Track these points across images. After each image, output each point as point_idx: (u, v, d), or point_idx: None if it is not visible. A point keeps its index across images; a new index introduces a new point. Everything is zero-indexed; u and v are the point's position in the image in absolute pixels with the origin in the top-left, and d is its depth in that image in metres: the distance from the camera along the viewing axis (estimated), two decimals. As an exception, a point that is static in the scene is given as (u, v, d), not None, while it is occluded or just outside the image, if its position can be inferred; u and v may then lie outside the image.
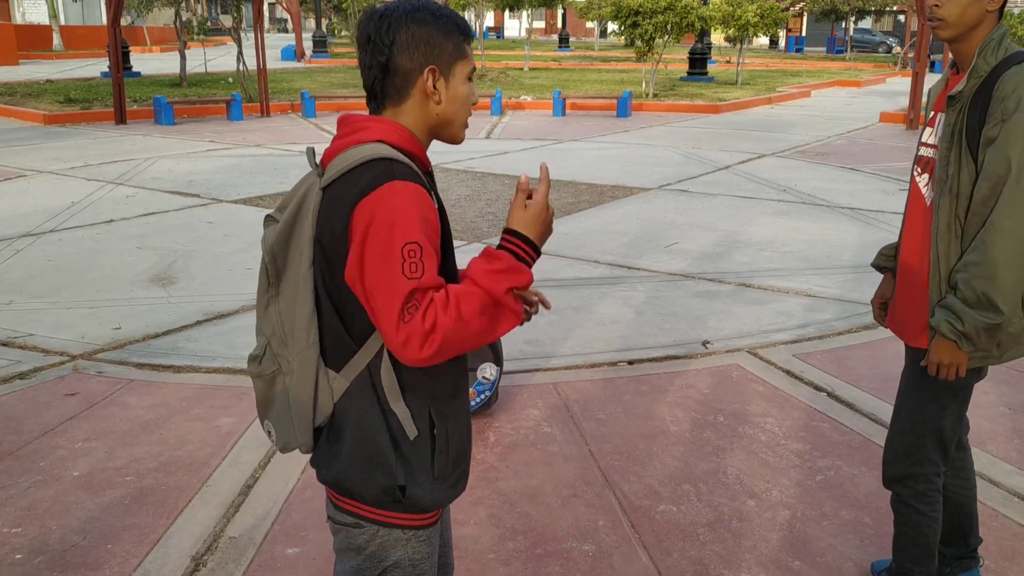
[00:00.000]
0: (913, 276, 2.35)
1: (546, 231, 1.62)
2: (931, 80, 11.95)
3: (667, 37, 18.82)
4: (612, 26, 19.99)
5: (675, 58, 27.63)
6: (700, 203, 8.60)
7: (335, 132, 1.65)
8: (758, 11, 21.84)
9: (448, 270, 1.64)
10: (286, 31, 56.23)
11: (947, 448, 2.39)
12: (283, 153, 11.67)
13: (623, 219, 7.91)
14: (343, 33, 38.67)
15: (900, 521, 2.49)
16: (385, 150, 1.53)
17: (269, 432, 1.69)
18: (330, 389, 1.60)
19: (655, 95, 19.00)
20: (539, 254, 1.61)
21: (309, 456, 1.71)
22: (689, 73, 23.64)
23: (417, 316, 1.44)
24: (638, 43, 18.84)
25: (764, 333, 5.00)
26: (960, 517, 2.63)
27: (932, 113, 2.34)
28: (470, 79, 1.66)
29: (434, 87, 1.60)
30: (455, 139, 1.69)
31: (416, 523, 1.65)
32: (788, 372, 4.45)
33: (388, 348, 1.50)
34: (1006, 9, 21.59)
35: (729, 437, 3.75)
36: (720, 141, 13.15)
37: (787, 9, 36.18)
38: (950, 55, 2.29)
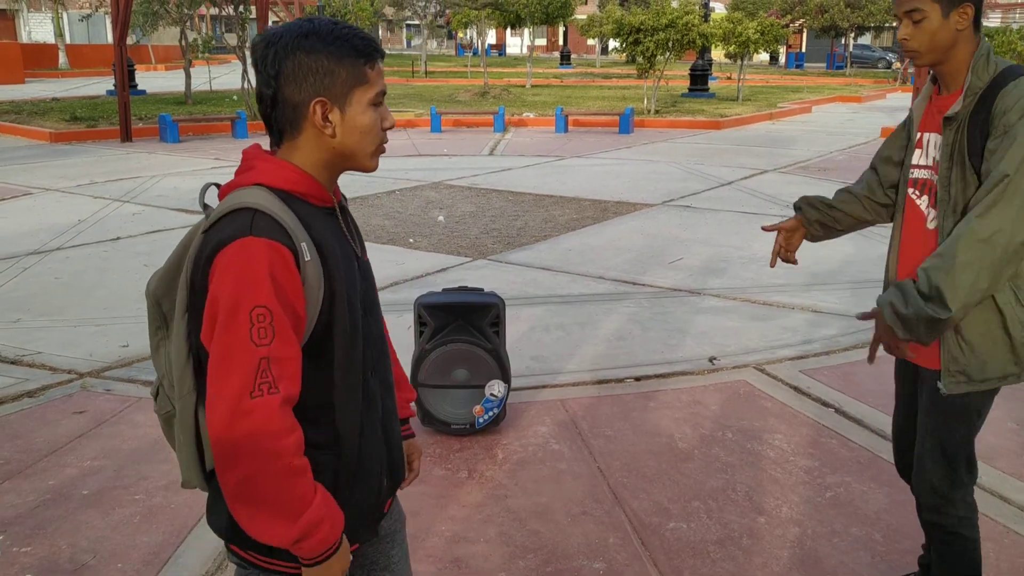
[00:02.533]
0: None
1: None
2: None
3: (668, 54, 18.92)
4: (613, 43, 20.09)
5: (676, 75, 27.75)
6: (704, 219, 8.62)
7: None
8: (758, 28, 21.95)
9: (344, 324, 1.51)
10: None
11: (974, 467, 2.36)
12: (287, 170, 11.70)
13: (627, 235, 7.93)
14: (346, 51, 38.80)
15: (944, 550, 2.42)
16: (255, 198, 1.43)
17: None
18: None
19: (657, 111, 19.07)
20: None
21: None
22: (690, 89, 23.74)
23: (271, 397, 1.38)
24: (639, 60, 18.94)
25: (770, 349, 5.01)
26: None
27: (919, 134, 2.33)
28: (377, 104, 1.52)
29: (325, 120, 1.48)
30: (364, 169, 1.56)
31: (294, 571, 1.53)
32: (795, 388, 4.45)
33: (212, 415, 1.39)
34: (1007, 25, 21.67)
35: (738, 453, 3.75)
36: (722, 157, 13.20)
37: (787, 26, 36.39)
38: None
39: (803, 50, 50.70)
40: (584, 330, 5.33)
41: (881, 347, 2.25)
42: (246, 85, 16.69)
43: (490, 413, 3.85)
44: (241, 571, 1.62)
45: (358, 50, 1.49)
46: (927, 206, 2.29)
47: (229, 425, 1.37)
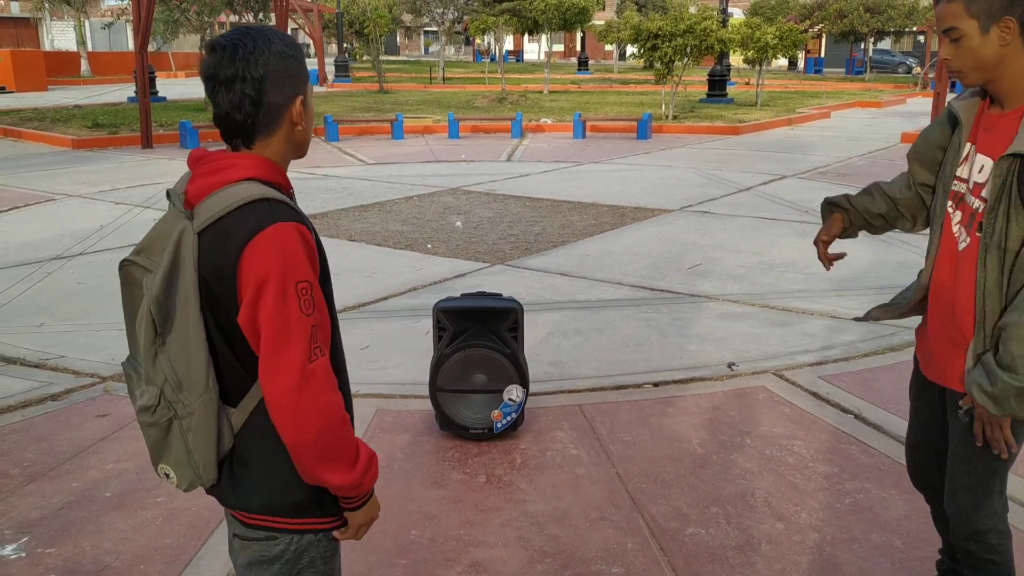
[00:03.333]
0: (947, 320, 2.23)
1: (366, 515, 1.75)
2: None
3: (686, 59, 18.88)
4: (631, 49, 20.09)
5: (694, 80, 27.71)
6: (722, 224, 8.60)
7: (192, 170, 1.64)
8: (777, 33, 21.87)
9: (331, 304, 1.69)
10: (309, 56, 56.87)
11: (1004, 491, 2.31)
12: (307, 176, 11.79)
13: (645, 241, 7.93)
14: (364, 58, 39.13)
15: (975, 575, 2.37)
16: (260, 190, 1.56)
17: (167, 475, 1.69)
18: (230, 425, 1.63)
19: (675, 117, 19.04)
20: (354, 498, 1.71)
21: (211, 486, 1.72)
22: (708, 95, 23.69)
23: (323, 358, 1.55)
24: (657, 65, 18.91)
25: (789, 355, 4.99)
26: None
27: (968, 146, 2.20)
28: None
29: (301, 115, 1.67)
30: (304, 155, 1.77)
31: (327, 525, 1.73)
32: (814, 394, 4.43)
33: (279, 384, 1.52)
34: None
35: (756, 459, 3.74)
36: (741, 162, 13.16)
37: (806, 31, 36.26)
38: None
39: (822, 55, 50.48)
40: (602, 335, 5.33)
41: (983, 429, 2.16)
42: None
43: (508, 418, 3.86)
44: (264, 545, 1.71)
45: (303, 54, 1.71)
46: (959, 223, 2.18)
47: (301, 389, 1.51)
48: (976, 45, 2.01)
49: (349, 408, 1.74)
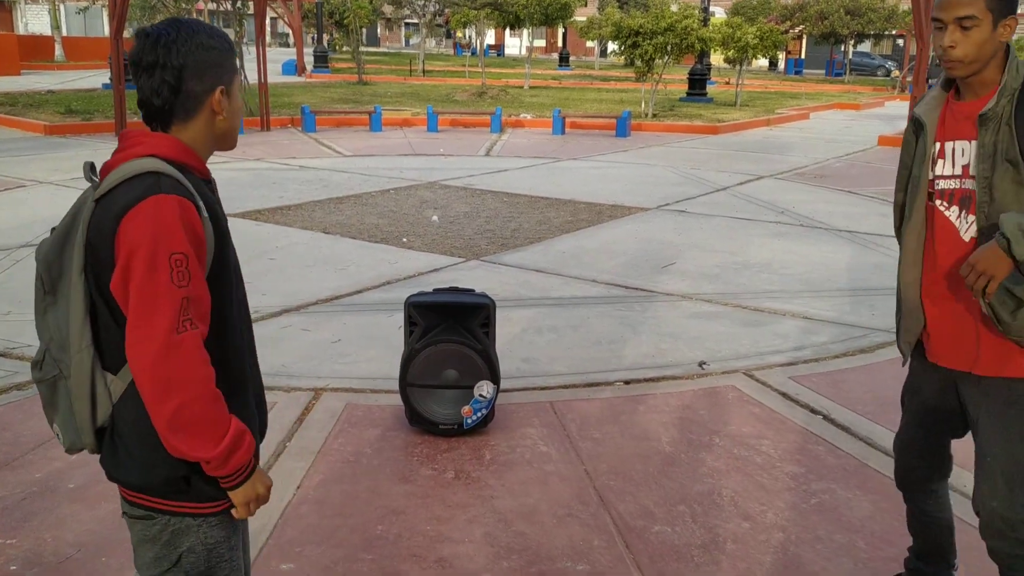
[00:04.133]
0: (962, 313, 2.25)
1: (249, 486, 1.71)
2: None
3: (667, 58, 18.93)
4: (612, 46, 20.11)
5: (675, 79, 27.79)
6: (698, 224, 8.64)
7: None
8: (758, 33, 21.99)
9: (227, 288, 1.72)
10: (287, 45, 56.42)
11: None
12: (282, 167, 11.71)
13: (621, 238, 7.94)
14: (344, 48, 38.89)
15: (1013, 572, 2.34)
16: (154, 164, 1.61)
17: (57, 435, 1.75)
18: (108, 391, 1.66)
19: (654, 115, 19.09)
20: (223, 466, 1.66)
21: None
22: (688, 94, 23.76)
23: (193, 332, 1.56)
24: (638, 63, 18.95)
25: (760, 355, 5.02)
26: (942, 538, 2.66)
27: (938, 144, 2.27)
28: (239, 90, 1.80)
29: (221, 105, 1.72)
30: (232, 146, 1.83)
31: (204, 511, 1.72)
32: (784, 394, 4.46)
33: (141, 352, 1.55)
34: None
35: (724, 459, 3.76)
36: (719, 162, 13.22)
37: (786, 32, 36.44)
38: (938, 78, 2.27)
39: (802, 56, 50.80)
40: (576, 333, 5.33)
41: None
42: (242, 81, 16.65)
43: (478, 414, 3.86)
44: (144, 525, 1.73)
45: (230, 45, 1.76)
46: (958, 217, 2.23)
47: (163, 359, 1.54)
48: (985, 38, 2.10)
49: (245, 390, 1.77)
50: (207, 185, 1.75)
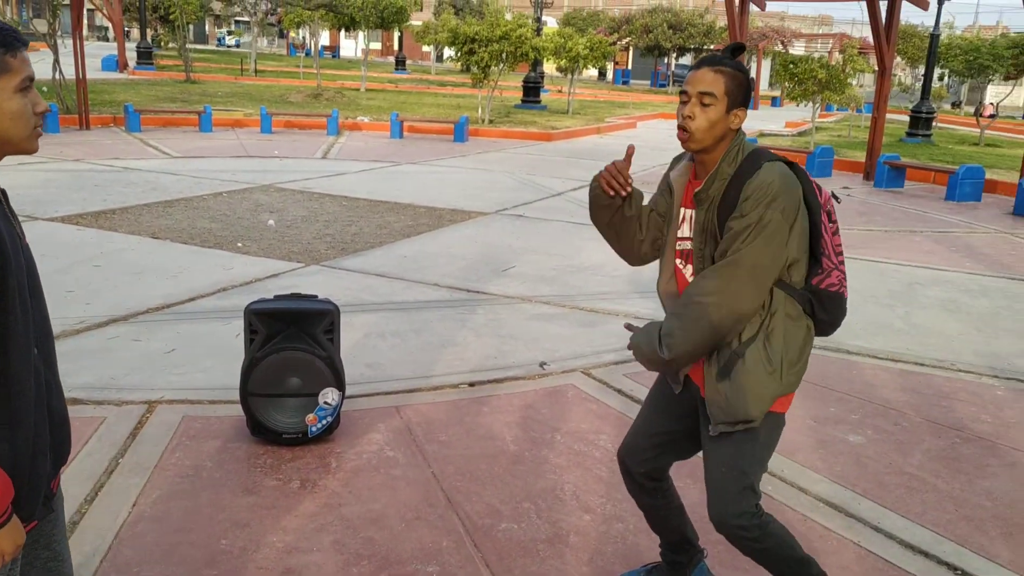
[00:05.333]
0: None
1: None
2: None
3: (502, 65, 19.29)
4: (449, 52, 20.27)
5: (510, 85, 28.30)
6: (535, 228, 8.87)
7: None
8: (588, 44, 22.79)
9: (8, 311, 1.55)
10: (107, 39, 53.14)
11: (758, 490, 2.47)
12: (105, 169, 11.06)
13: (462, 242, 8.05)
14: (170, 45, 37.05)
15: (761, 558, 2.50)
16: None
17: None
18: None
19: (491, 121, 19.39)
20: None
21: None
22: (523, 101, 24.29)
23: None
24: (474, 69, 19.20)
25: (596, 354, 5.24)
26: (682, 528, 2.84)
27: (682, 210, 2.48)
28: (24, 89, 1.58)
29: None
30: (25, 152, 1.64)
31: None
32: (619, 391, 4.68)
33: None
34: (809, 54, 23.58)
35: (566, 455, 3.91)
36: (553, 168, 13.61)
37: (615, 43, 37.90)
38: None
39: (629, 67, 53.00)
40: (419, 337, 5.37)
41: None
42: (58, 76, 15.58)
43: (323, 421, 3.82)
44: None
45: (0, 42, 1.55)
46: (691, 275, 2.48)
47: None
48: (719, 117, 2.29)
49: (26, 417, 1.60)
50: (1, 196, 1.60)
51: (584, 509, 3.45)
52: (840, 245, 2.42)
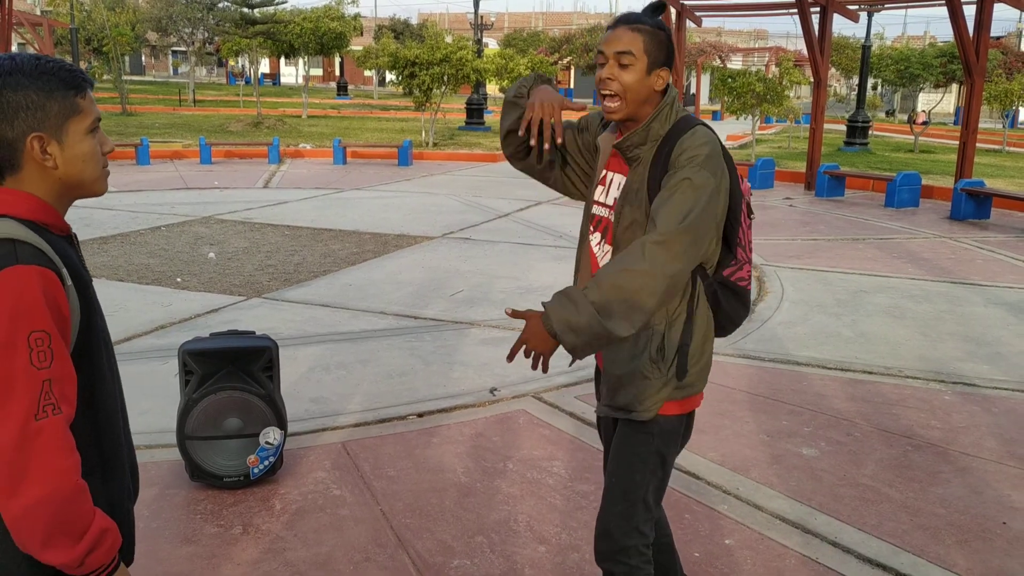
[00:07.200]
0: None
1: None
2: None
3: (444, 88, 19.26)
4: (390, 76, 20.20)
5: (453, 107, 28.32)
6: (483, 250, 8.79)
7: None
8: (529, 64, 22.91)
9: (96, 359, 1.54)
10: (38, 73, 51.88)
11: (652, 519, 2.29)
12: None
13: (408, 268, 7.93)
14: (105, 77, 36.38)
15: None
16: (10, 228, 1.43)
17: None
18: None
19: (435, 144, 19.33)
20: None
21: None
22: (467, 123, 24.31)
23: (55, 417, 1.38)
24: (416, 93, 19.16)
25: (547, 377, 5.15)
26: (671, 561, 2.61)
27: (604, 171, 2.31)
28: (94, 130, 1.56)
29: (44, 154, 1.49)
30: (94, 194, 1.61)
31: None
32: (571, 414, 4.60)
33: None
34: (747, 68, 24.00)
35: (519, 484, 3.81)
36: (499, 189, 13.57)
37: (556, 63, 38.22)
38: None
39: (571, 86, 53.46)
40: (366, 368, 5.24)
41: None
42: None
43: (266, 462, 3.68)
44: None
45: (67, 83, 1.50)
46: (598, 243, 2.32)
47: (19, 448, 1.36)
48: (640, 77, 2.14)
49: (120, 464, 1.61)
50: (67, 241, 1.54)
51: (539, 540, 3.35)
52: (752, 242, 2.30)
